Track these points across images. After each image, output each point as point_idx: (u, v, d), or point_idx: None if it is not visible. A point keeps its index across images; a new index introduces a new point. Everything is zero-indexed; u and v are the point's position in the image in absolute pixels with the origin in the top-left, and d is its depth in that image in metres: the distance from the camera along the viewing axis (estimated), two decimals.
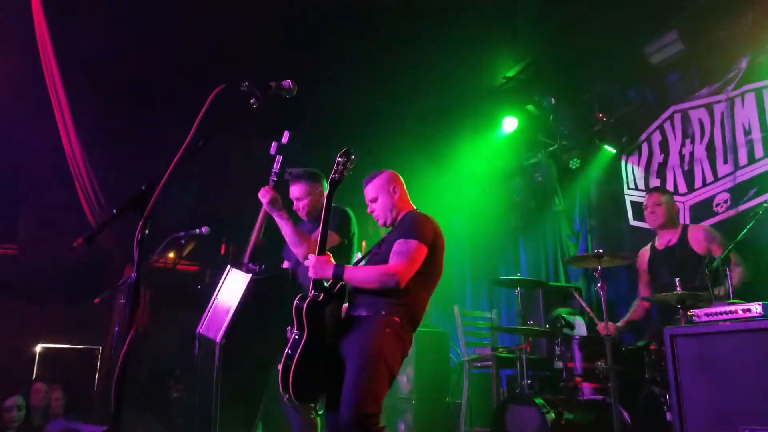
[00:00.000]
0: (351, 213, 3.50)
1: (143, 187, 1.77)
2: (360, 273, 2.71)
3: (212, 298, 3.77)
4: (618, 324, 4.25)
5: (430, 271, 2.77)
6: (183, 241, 4.08)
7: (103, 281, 5.59)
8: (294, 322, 2.60)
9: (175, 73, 5.62)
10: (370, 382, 2.48)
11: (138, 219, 1.75)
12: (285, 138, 3.34)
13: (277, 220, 3.23)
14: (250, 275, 3.56)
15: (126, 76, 5.73)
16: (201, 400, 3.82)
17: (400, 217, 2.91)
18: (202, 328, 3.75)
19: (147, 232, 1.74)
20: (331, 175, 2.79)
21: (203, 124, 1.95)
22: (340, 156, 2.79)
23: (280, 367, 2.52)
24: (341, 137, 6.17)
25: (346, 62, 5.59)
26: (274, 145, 3.34)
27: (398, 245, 2.68)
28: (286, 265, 3.69)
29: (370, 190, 2.97)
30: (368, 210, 3.01)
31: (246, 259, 3.69)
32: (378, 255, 2.82)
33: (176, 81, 5.65)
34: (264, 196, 3.22)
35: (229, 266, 3.77)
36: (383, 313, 2.62)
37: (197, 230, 4.11)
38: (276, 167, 3.32)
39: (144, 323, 5.75)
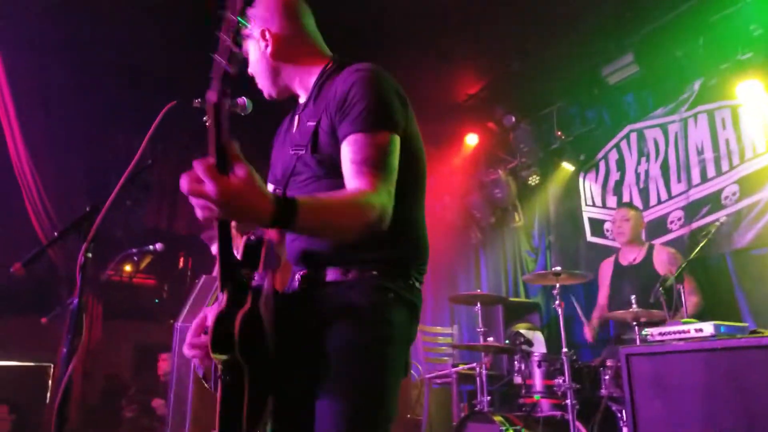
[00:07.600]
0: None
1: (87, 209, 1.69)
2: (326, 209, 1.32)
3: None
4: (593, 323, 4.49)
5: (416, 168, 1.57)
6: (136, 258, 3.94)
7: (54, 296, 5.38)
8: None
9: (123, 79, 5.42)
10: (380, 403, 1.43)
11: (81, 242, 1.67)
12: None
13: None
14: None
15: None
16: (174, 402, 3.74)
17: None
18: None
19: (90, 255, 1.66)
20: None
21: (154, 139, 1.88)
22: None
23: None
24: None
25: None
26: None
27: (358, 145, 1.41)
28: None
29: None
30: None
31: None
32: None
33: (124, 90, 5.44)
34: None
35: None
36: (374, 272, 1.47)
37: (151, 246, 3.95)
38: None
39: (95, 339, 5.56)
